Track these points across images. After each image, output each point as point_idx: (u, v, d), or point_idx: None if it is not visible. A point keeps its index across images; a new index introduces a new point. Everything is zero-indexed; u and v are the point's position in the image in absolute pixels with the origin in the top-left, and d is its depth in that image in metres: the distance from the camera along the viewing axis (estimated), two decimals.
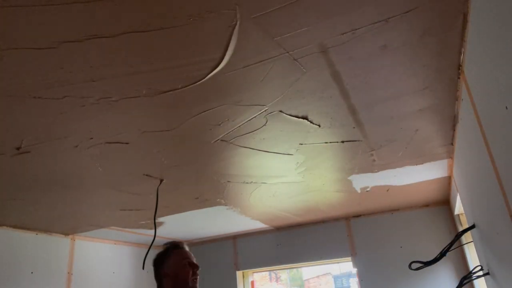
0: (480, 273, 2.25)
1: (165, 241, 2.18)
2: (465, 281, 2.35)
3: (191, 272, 1.70)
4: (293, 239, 4.33)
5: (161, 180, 2.35)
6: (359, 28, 1.16)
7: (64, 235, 3.64)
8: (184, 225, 3.79)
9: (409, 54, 1.31)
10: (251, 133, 1.82)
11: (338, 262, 4.66)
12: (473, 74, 1.28)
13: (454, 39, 1.25)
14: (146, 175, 2.24)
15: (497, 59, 0.99)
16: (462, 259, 3.48)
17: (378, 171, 2.54)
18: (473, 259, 3.13)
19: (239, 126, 1.74)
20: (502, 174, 1.22)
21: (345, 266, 16.56)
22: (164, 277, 1.69)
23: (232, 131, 1.78)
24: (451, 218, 3.67)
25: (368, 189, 3.00)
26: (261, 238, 4.51)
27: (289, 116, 1.69)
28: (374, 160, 2.33)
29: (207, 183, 2.50)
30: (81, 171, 2.08)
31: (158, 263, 1.74)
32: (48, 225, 3.26)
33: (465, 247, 3.30)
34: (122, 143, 1.79)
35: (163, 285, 1.69)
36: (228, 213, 3.40)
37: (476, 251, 2.52)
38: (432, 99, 1.65)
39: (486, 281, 2.37)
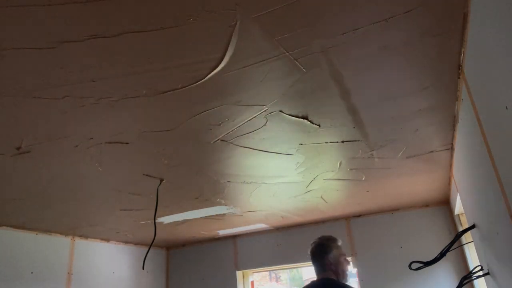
0: (480, 273, 2.25)
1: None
2: (465, 281, 2.34)
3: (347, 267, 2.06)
4: (293, 239, 4.32)
5: (161, 180, 2.35)
6: (359, 28, 1.16)
7: (64, 235, 3.64)
8: None
9: (409, 54, 1.31)
10: (251, 133, 1.82)
11: None
12: (473, 74, 1.28)
13: (454, 39, 1.25)
14: (146, 175, 2.24)
15: (497, 59, 0.99)
16: (462, 259, 3.47)
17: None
18: (473, 259, 3.12)
19: (239, 126, 1.74)
20: (502, 174, 1.22)
21: None
22: (328, 265, 2.02)
23: (232, 131, 1.78)
24: (451, 218, 3.66)
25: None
26: (261, 238, 4.50)
27: (289, 116, 1.69)
28: (374, 160, 2.33)
29: (207, 183, 2.50)
30: (81, 171, 2.08)
31: (323, 251, 2.05)
32: (48, 225, 3.26)
33: (465, 247, 3.29)
34: (122, 143, 1.79)
35: (328, 270, 2.02)
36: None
37: (476, 251, 2.52)
38: (432, 99, 1.65)
39: (486, 281, 2.36)
